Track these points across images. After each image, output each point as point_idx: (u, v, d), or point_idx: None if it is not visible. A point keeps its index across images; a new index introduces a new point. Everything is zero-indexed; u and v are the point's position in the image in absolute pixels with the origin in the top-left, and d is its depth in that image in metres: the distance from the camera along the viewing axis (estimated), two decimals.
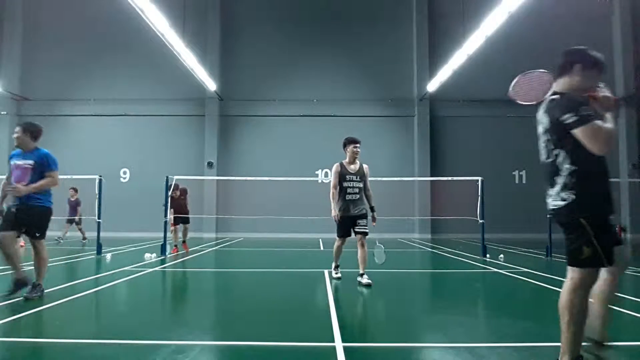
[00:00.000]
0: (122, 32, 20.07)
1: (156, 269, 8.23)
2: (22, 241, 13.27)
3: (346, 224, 6.45)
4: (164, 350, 3.34)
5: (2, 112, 19.99)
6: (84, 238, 14.24)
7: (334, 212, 6.42)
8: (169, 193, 10.87)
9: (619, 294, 5.69)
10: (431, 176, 19.19)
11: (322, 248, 13.49)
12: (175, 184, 11.07)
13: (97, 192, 10.61)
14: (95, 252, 10.39)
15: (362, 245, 6.33)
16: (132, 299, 5.86)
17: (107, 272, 7.74)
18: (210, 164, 19.85)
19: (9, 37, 20.61)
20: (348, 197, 6.43)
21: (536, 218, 15.33)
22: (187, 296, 6.25)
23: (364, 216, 6.46)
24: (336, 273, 6.75)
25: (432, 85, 18.63)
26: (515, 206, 19.31)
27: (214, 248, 13.22)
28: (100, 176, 10.77)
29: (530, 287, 6.56)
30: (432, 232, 19.67)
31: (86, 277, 6.96)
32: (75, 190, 13.92)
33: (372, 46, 20.75)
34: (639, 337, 3.89)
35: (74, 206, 13.95)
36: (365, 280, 6.21)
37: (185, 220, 11.04)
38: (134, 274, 7.43)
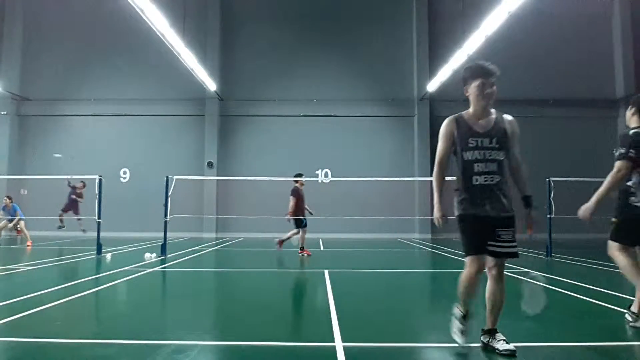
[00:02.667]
0: (122, 32, 20.06)
1: (156, 269, 8.23)
2: (30, 241, 13.36)
3: (478, 229, 3.33)
4: (164, 350, 3.35)
5: (2, 112, 19.97)
6: None
7: (437, 210, 3.59)
8: (296, 185, 10.66)
9: (620, 294, 5.71)
10: (431, 176, 19.14)
11: (322, 248, 13.50)
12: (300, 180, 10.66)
13: (97, 192, 10.61)
14: (96, 252, 10.39)
15: (500, 277, 3.30)
16: (132, 299, 5.86)
17: (107, 272, 7.75)
18: (210, 164, 19.84)
19: (9, 37, 20.59)
20: (476, 179, 3.39)
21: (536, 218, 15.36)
22: (187, 296, 6.24)
23: (510, 221, 3.42)
24: (463, 326, 3.37)
25: (432, 85, 18.61)
26: (515, 206, 19.27)
27: (214, 248, 13.22)
28: (100, 176, 10.77)
29: (530, 287, 6.53)
30: (432, 232, 19.65)
31: (86, 277, 6.95)
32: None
33: (372, 46, 20.74)
34: (639, 337, 3.88)
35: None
36: (502, 344, 3.21)
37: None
38: (134, 274, 7.43)
